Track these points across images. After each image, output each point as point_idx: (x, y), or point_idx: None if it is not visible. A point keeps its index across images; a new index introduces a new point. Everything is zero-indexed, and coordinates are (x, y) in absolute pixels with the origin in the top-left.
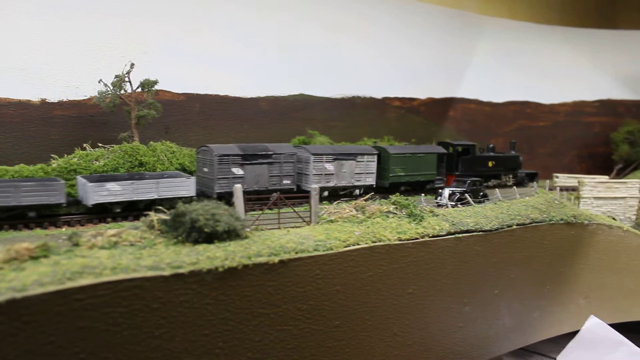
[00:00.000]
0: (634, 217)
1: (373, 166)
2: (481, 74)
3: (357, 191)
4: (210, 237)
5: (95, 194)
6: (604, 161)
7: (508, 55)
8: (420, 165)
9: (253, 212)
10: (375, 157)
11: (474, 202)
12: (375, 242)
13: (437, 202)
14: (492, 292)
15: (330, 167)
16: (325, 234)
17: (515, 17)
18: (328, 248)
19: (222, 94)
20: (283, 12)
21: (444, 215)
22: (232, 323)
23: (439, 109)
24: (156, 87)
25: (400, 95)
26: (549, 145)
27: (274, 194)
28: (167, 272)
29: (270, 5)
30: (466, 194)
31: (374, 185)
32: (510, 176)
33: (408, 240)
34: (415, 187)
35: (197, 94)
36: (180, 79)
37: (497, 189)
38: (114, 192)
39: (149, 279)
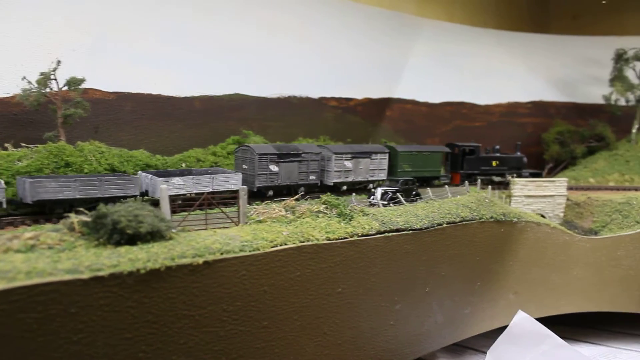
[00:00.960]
0: (561, 215)
1: (385, 163)
2: (418, 74)
3: (370, 185)
4: (133, 239)
5: (158, 187)
6: (537, 161)
7: (444, 56)
8: (426, 163)
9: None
10: (387, 155)
11: (406, 201)
12: (303, 242)
13: (370, 202)
14: (423, 290)
15: (349, 164)
16: (253, 234)
17: (452, 20)
18: (254, 248)
19: (154, 93)
20: (219, 11)
21: (374, 214)
22: (155, 326)
23: (376, 109)
24: (85, 85)
25: (337, 95)
26: (485, 145)
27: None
28: (85, 275)
29: (205, 5)
30: (398, 194)
31: (385, 179)
32: (514, 175)
33: (337, 239)
34: (423, 182)
35: (128, 93)
36: (110, 77)
37: (428, 189)
38: (178, 185)
39: (67, 282)
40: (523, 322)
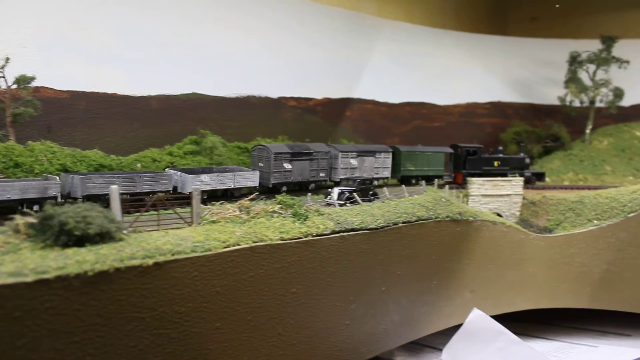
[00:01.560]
0: (518, 213)
1: (388, 162)
2: (378, 75)
3: (375, 182)
4: (82, 240)
5: (192, 183)
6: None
7: (404, 56)
8: (429, 162)
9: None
10: (391, 154)
11: (363, 201)
12: (256, 242)
13: (327, 201)
14: (380, 289)
15: (354, 162)
16: (205, 234)
17: (412, 21)
18: (206, 249)
19: (110, 92)
20: (175, 10)
21: (330, 214)
22: (104, 329)
23: (336, 109)
24: (36, 83)
25: (296, 95)
26: (444, 145)
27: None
28: (30, 278)
29: (162, 4)
30: (355, 193)
31: (389, 177)
32: (517, 175)
33: (291, 239)
34: (426, 180)
35: (82, 92)
36: (64, 75)
37: (385, 188)
38: (205, 182)
39: (9, 286)
40: (478, 320)
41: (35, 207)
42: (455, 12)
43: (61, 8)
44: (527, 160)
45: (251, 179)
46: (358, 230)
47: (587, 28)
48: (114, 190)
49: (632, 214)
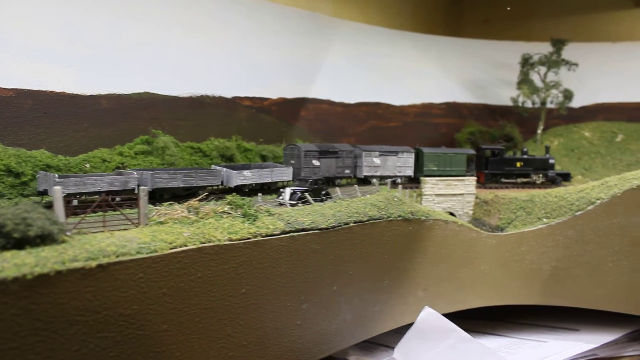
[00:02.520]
0: (470, 212)
1: (411, 161)
2: (334, 75)
3: (398, 180)
4: (22, 243)
5: (236, 178)
6: None
7: (361, 57)
8: (451, 163)
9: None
10: (413, 154)
11: (315, 201)
12: (204, 243)
13: (279, 202)
14: (331, 289)
15: (377, 161)
16: (152, 235)
17: (368, 21)
18: (152, 250)
19: (58, 90)
20: (127, 8)
21: (280, 214)
22: (44, 333)
23: (291, 109)
24: None
25: (251, 95)
26: (400, 145)
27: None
28: None
29: (113, 2)
30: (307, 193)
31: (412, 176)
32: (540, 175)
33: (239, 240)
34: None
35: (29, 90)
36: (9, 73)
37: (337, 188)
38: (247, 177)
39: None
40: (429, 318)
41: (118, 198)
42: (411, 13)
43: (7, 5)
44: (552, 161)
45: (286, 174)
46: (309, 230)
47: (538, 31)
48: (57, 192)
49: (579, 212)
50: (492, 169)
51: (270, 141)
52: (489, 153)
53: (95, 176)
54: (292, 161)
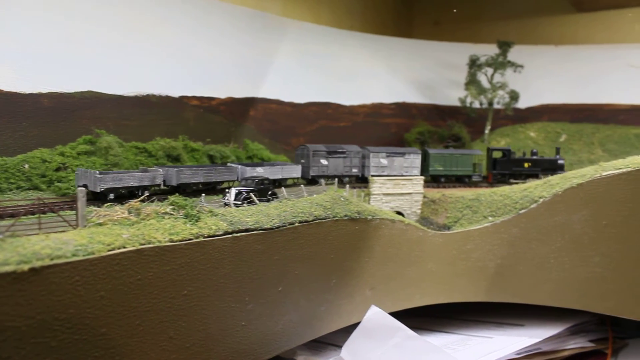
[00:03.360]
0: (418, 212)
1: (417, 162)
2: (283, 74)
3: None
4: None
5: (250, 174)
6: None
7: (310, 57)
8: (457, 163)
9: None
10: (419, 155)
11: (261, 201)
12: (144, 244)
13: (224, 202)
14: (277, 290)
15: (384, 161)
16: (89, 237)
17: (318, 21)
18: (89, 252)
19: None
20: (69, 6)
21: (223, 214)
22: None
23: (240, 109)
24: None
25: (198, 94)
26: (350, 143)
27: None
28: None
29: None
30: (252, 193)
31: (418, 176)
32: (549, 176)
33: (180, 241)
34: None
35: None
36: None
37: (283, 188)
38: (260, 173)
39: None
40: (375, 317)
41: (147, 192)
42: (361, 14)
43: None
44: (561, 162)
45: (295, 171)
46: (252, 230)
47: (485, 33)
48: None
49: (523, 211)
50: (500, 169)
51: (218, 141)
52: (497, 154)
53: (129, 173)
54: (302, 160)
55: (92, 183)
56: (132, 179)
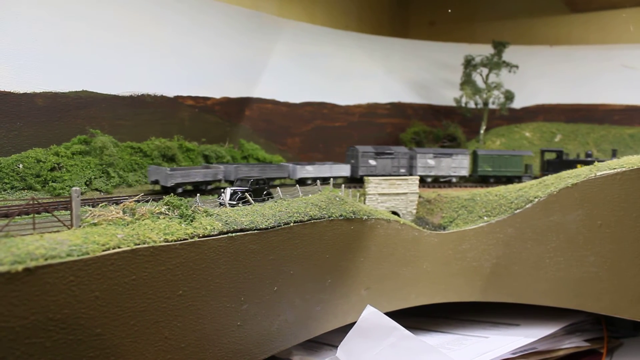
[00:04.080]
0: (414, 211)
1: (466, 162)
2: (278, 74)
3: (453, 179)
4: None
5: (300, 171)
6: None
7: (306, 57)
8: (507, 164)
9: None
10: (468, 156)
11: (256, 201)
12: (138, 244)
13: (219, 202)
14: (272, 290)
15: (431, 162)
16: (84, 237)
17: (313, 21)
18: (84, 253)
19: None
20: (62, 5)
21: (218, 214)
22: None
23: (235, 109)
24: None
25: (194, 94)
26: (345, 144)
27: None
28: None
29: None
30: (247, 193)
31: (467, 175)
32: None
33: (175, 241)
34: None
35: None
36: None
37: (278, 188)
38: (309, 171)
39: None
40: (371, 317)
41: (210, 187)
42: (357, 14)
43: None
44: None
45: (344, 170)
46: (247, 230)
47: (480, 33)
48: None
49: (518, 210)
50: (552, 170)
51: (214, 141)
52: (550, 155)
53: (195, 169)
54: (352, 161)
55: (163, 178)
56: (197, 175)
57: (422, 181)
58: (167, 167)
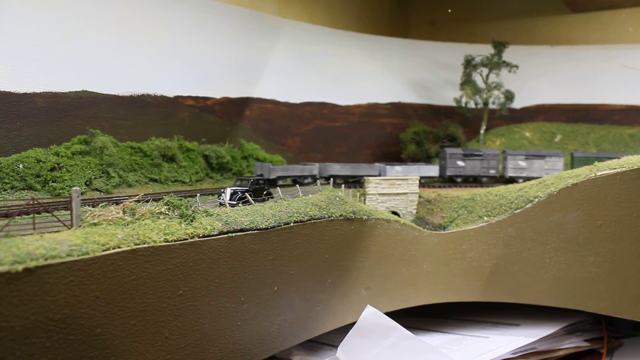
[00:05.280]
0: (414, 211)
1: (560, 165)
2: (278, 74)
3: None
4: None
5: (390, 171)
6: (395, 159)
7: (306, 57)
8: None
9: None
10: (562, 158)
11: (256, 201)
12: (138, 244)
13: (218, 202)
14: (272, 290)
15: (523, 163)
16: (84, 237)
17: (313, 21)
18: (84, 253)
19: None
20: (61, 5)
21: (218, 214)
22: None
23: (235, 109)
24: None
25: (194, 94)
26: (345, 144)
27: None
28: None
29: None
30: (247, 193)
31: None
32: None
33: (175, 241)
34: None
35: None
36: None
37: (278, 188)
38: (398, 171)
39: None
40: (371, 317)
41: (307, 180)
42: (357, 14)
43: None
44: None
45: (432, 170)
46: (247, 230)
47: (481, 33)
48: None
49: (518, 210)
50: None
51: (214, 141)
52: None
53: (293, 166)
54: (442, 162)
55: (267, 172)
56: (295, 170)
57: (513, 181)
58: (270, 162)
